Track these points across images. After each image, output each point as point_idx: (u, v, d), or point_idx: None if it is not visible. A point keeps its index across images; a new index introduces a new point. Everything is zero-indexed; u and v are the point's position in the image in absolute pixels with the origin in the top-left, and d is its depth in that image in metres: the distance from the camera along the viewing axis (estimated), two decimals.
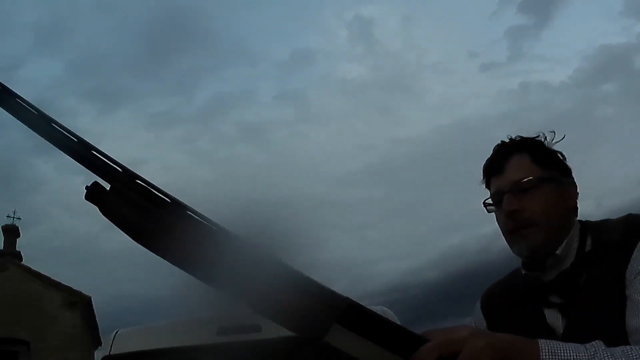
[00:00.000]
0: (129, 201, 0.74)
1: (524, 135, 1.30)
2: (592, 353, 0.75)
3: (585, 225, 1.23)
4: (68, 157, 0.77)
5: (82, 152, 0.77)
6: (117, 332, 2.38)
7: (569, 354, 0.75)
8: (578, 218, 1.26)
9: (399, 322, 2.30)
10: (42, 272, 14.64)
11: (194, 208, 0.75)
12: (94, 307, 15.45)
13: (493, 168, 1.27)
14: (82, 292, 14.82)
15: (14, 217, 15.82)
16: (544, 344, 0.76)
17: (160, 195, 0.75)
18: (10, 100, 0.76)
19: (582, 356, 0.75)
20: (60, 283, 14.64)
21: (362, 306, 0.74)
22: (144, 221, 0.74)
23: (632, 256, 1.08)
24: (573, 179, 1.27)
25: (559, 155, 1.28)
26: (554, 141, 1.29)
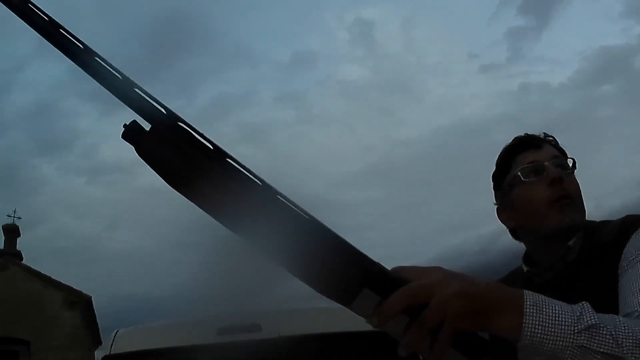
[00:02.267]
0: (168, 144, 0.70)
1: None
2: (579, 313, 0.70)
3: (587, 225, 1.23)
4: (111, 95, 0.72)
5: (123, 88, 0.72)
6: (117, 332, 2.38)
7: (554, 310, 0.70)
8: None
9: None
10: (42, 272, 14.66)
11: (237, 158, 0.72)
12: (94, 306, 15.47)
13: (530, 142, 1.27)
14: (83, 291, 14.83)
15: (14, 217, 15.85)
16: (529, 295, 0.71)
17: (202, 140, 0.72)
18: (57, 34, 0.73)
19: (568, 314, 0.70)
20: (60, 283, 14.64)
21: (393, 274, 0.71)
22: (183, 167, 0.70)
23: (623, 251, 1.08)
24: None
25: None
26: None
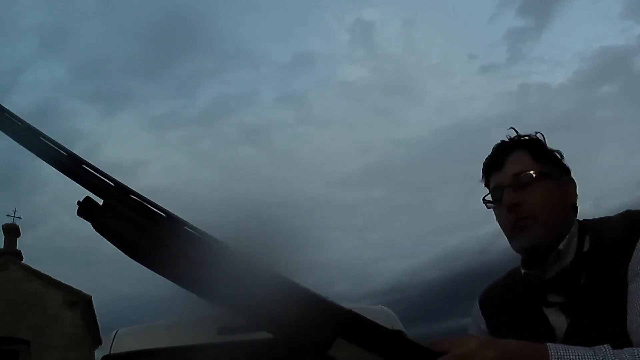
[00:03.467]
0: (122, 217, 0.71)
1: (524, 134, 1.31)
2: (601, 357, 0.76)
3: (584, 224, 1.23)
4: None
5: (71, 166, 0.73)
6: (117, 332, 2.38)
7: (576, 358, 0.75)
8: (577, 218, 1.26)
9: (399, 322, 2.30)
10: (43, 272, 14.65)
11: (191, 223, 0.73)
12: (94, 306, 15.47)
13: (493, 164, 1.29)
14: (83, 291, 14.83)
15: (14, 217, 15.86)
16: (552, 349, 0.77)
17: (155, 210, 0.73)
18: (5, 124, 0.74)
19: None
20: (60, 282, 14.64)
21: (366, 319, 0.73)
22: (139, 238, 0.71)
23: (634, 253, 1.08)
24: (572, 177, 1.28)
25: (557, 154, 1.29)
26: (549, 144, 1.30)
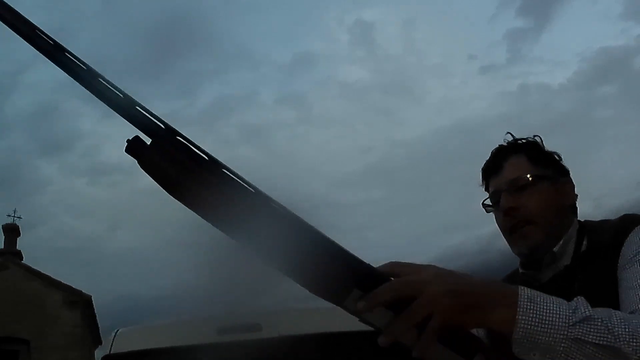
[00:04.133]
0: (168, 156, 0.75)
1: (522, 137, 1.32)
2: (574, 307, 0.72)
3: (584, 225, 1.24)
4: (113, 111, 0.78)
5: (126, 106, 0.78)
6: (117, 332, 2.38)
7: (548, 303, 0.71)
8: (578, 219, 1.26)
9: None
10: (43, 272, 14.66)
11: (231, 167, 0.77)
12: (94, 306, 15.48)
13: (491, 169, 1.30)
14: (83, 291, 14.83)
15: (14, 216, 15.87)
16: (524, 290, 0.72)
17: (199, 152, 0.77)
18: (61, 56, 0.78)
19: (563, 308, 0.71)
20: (60, 282, 14.65)
21: (382, 273, 0.73)
22: (182, 176, 0.75)
23: (622, 250, 1.08)
24: (570, 178, 1.29)
25: (555, 155, 1.30)
26: (548, 144, 1.31)
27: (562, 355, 0.69)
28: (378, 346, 0.72)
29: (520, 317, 0.69)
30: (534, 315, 0.70)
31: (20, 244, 15.59)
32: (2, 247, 15.09)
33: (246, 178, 0.77)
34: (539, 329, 0.69)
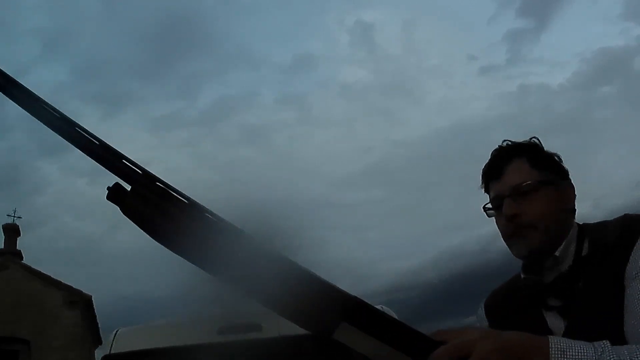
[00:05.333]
0: (148, 202, 0.78)
1: (521, 138, 1.31)
2: (600, 352, 0.76)
3: (583, 227, 1.23)
4: (91, 159, 0.80)
5: (104, 155, 0.80)
6: (117, 331, 2.38)
7: (577, 352, 0.76)
8: (576, 220, 1.26)
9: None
10: (43, 272, 14.65)
11: (209, 208, 0.79)
12: (94, 306, 15.47)
13: (492, 173, 1.29)
14: (83, 291, 14.83)
15: (14, 216, 15.87)
16: (553, 341, 0.78)
17: (177, 196, 0.79)
18: (34, 104, 0.81)
19: (590, 354, 0.76)
20: (60, 282, 14.65)
21: (369, 305, 0.77)
22: (162, 220, 0.77)
23: (631, 256, 1.08)
24: (570, 180, 1.28)
25: (556, 157, 1.29)
26: (548, 145, 1.30)
27: None
28: None
29: None
30: None
31: (20, 244, 15.61)
32: (2, 247, 15.09)
33: (222, 216, 0.78)
34: None
